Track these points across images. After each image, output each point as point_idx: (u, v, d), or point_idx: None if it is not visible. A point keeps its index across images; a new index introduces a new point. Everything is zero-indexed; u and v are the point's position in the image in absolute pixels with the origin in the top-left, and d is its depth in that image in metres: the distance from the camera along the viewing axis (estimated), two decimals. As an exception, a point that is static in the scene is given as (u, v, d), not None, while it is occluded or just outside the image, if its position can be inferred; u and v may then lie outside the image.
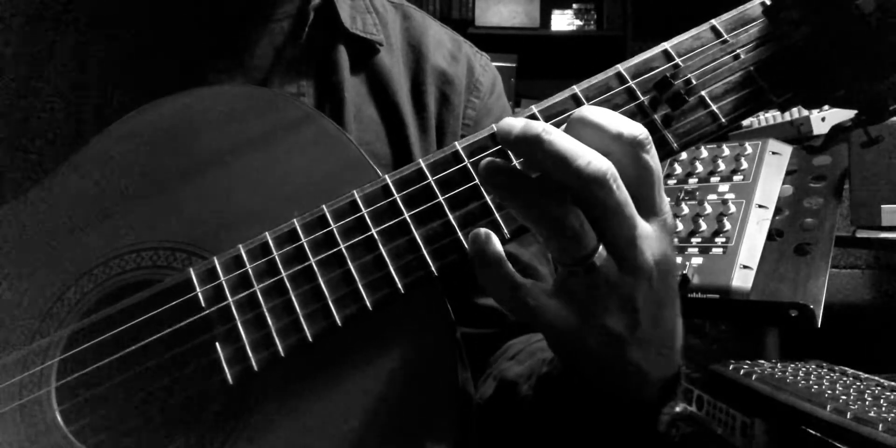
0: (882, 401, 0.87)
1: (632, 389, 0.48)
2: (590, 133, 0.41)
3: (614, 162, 0.41)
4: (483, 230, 0.43)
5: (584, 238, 0.40)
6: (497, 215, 0.45)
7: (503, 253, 0.43)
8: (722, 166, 1.15)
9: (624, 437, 0.51)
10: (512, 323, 0.69)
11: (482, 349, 0.68)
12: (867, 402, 0.87)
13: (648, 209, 0.43)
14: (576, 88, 0.47)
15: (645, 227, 0.42)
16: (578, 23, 3.02)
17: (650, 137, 0.42)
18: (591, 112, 0.42)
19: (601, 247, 0.41)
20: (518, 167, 0.44)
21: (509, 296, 0.43)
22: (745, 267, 1.03)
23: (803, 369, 1.03)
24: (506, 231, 0.45)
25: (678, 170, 1.19)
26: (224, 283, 0.47)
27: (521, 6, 2.95)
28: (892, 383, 0.95)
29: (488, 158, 0.42)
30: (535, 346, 0.63)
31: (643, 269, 0.42)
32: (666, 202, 0.44)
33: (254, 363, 0.46)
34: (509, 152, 0.45)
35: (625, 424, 0.50)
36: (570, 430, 0.53)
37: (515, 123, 0.41)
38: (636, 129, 0.41)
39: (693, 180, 1.16)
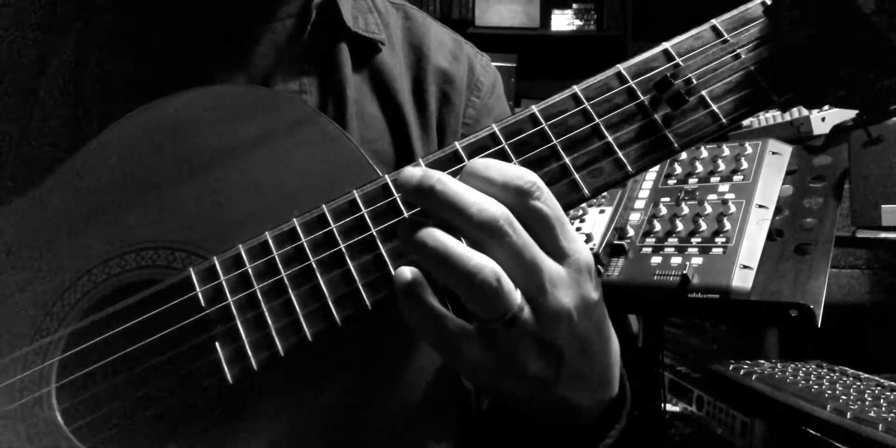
0: (882, 401, 0.87)
1: (565, 419, 0.48)
2: (480, 186, 0.42)
3: (511, 211, 0.41)
4: (407, 268, 0.43)
5: (502, 295, 0.40)
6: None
7: (425, 282, 0.42)
8: (722, 166, 1.15)
9: None
10: None
11: None
12: (867, 402, 0.87)
13: (555, 253, 0.42)
14: (576, 88, 0.47)
15: (554, 271, 0.42)
16: (578, 23, 3.02)
17: (537, 183, 0.42)
18: (479, 165, 0.42)
19: (520, 298, 0.41)
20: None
21: (433, 328, 0.42)
22: (745, 267, 1.03)
23: (803, 369, 1.03)
24: None
25: (678, 170, 1.19)
26: (224, 282, 0.47)
27: (521, 6, 2.95)
28: (892, 383, 0.95)
29: (409, 218, 0.43)
30: None
31: (559, 314, 0.42)
32: (575, 242, 0.43)
33: (253, 363, 0.46)
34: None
35: (571, 445, 0.50)
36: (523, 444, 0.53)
37: (414, 173, 0.42)
38: (521, 179, 0.42)
39: (693, 180, 1.16)
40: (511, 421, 0.53)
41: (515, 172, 0.42)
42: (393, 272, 0.45)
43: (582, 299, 0.43)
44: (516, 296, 0.41)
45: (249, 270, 0.47)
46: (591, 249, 1.23)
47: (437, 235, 0.40)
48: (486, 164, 0.43)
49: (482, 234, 0.40)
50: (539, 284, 0.41)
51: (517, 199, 0.42)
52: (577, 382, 0.45)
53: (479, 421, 0.60)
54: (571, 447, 0.51)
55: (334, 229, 0.47)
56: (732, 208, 1.08)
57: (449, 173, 0.43)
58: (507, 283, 0.40)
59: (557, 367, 0.43)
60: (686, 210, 1.11)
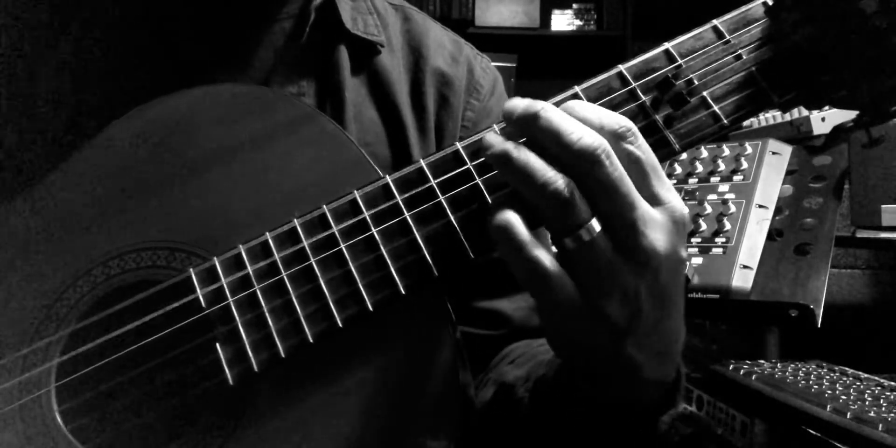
0: (882, 401, 0.87)
1: (625, 389, 0.47)
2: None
3: None
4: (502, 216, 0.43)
5: (573, 207, 0.41)
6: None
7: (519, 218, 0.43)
8: (722, 166, 1.15)
9: (620, 440, 0.50)
10: (513, 326, 0.69)
11: (481, 351, 0.68)
12: (867, 402, 0.87)
13: (651, 198, 0.42)
14: (577, 88, 0.47)
15: (648, 211, 0.42)
16: (578, 23, 3.02)
17: (633, 129, 0.42)
18: (577, 104, 0.43)
19: (594, 221, 0.41)
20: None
21: (519, 254, 0.42)
22: (745, 267, 1.03)
23: (803, 369, 1.03)
24: None
25: (678, 170, 1.19)
26: (224, 283, 0.47)
27: (521, 6, 2.95)
28: (892, 383, 0.95)
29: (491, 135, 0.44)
30: (536, 350, 0.63)
31: (646, 254, 0.41)
32: (671, 194, 0.43)
33: (254, 364, 0.46)
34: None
35: (620, 428, 0.49)
36: (566, 433, 0.52)
37: (519, 103, 0.43)
38: (617, 122, 0.42)
39: (693, 180, 1.16)
40: (560, 399, 0.52)
41: (613, 116, 0.43)
42: (394, 272, 0.45)
43: (673, 249, 0.42)
44: (587, 214, 0.41)
45: (250, 271, 0.47)
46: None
47: (521, 150, 0.42)
48: (585, 105, 0.44)
49: (580, 161, 0.41)
50: (631, 221, 0.41)
51: (613, 140, 0.42)
52: (646, 343, 0.44)
53: (506, 410, 0.59)
54: (622, 428, 0.49)
55: (335, 229, 0.47)
56: (732, 208, 1.08)
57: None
58: (579, 199, 0.41)
59: (633, 318, 0.43)
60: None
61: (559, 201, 0.41)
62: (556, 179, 0.41)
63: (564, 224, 0.41)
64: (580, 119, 0.42)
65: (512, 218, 0.42)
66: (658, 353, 0.46)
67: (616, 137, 0.42)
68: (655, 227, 0.42)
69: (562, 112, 0.42)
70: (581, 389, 0.49)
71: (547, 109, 0.42)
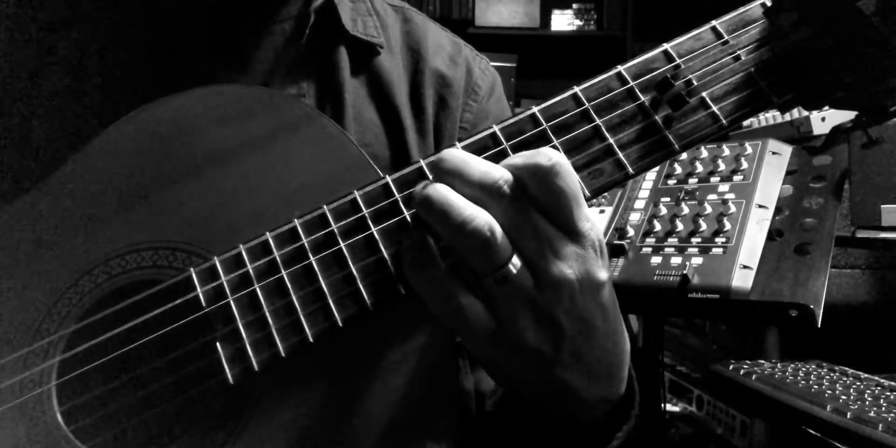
0: (882, 401, 0.87)
1: (564, 409, 0.48)
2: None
3: (526, 184, 0.42)
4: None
5: (494, 249, 0.41)
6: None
7: (430, 242, 0.43)
8: (722, 166, 1.15)
9: None
10: None
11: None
12: (867, 402, 0.87)
13: (565, 228, 0.42)
14: (576, 88, 0.47)
15: (558, 240, 0.42)
16: (578, 23, 3.02)
17: (558, 163, 0.42)
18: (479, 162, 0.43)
19: (514, 258, 0.42)
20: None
21: (434, 286, 0.43)
22: (745, 267, 1.03)
23: (803, 369, 1.03)
24: None
25: (678, 170, 1.19)
26: (225, 282, 0.47)
27: (521, 6, 2.95)
28: (892, 383, 0.95)
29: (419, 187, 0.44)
30: None
31: (559, 283, 0.42)
32: (585, 220, 0.43)
33: (254, 363, 0.46)
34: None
35: (573, 442, 0.50)
36: (530, 445, 0.53)
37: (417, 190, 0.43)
38: (539, 159, 0.42)
39: (693, 180, 1.16)
40: (517, 416, 0.52)
41: (534, 155, 0.43)
42: (394, 272, 0.45)
43: (586, 275, 0.42)
44: (509, 251, 0.41)
45: (250, 270, 0.47)
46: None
47: (439, 188, 0.42)
48: (464, 159, 0.43)
49: (482, 193, 0.42)
50: (539, 249, 0.42)
51: (533, 174, 0.42)
52: (578, 366, 0.44)
53: (483, 421, 0.60)
54: (578, 446, 0.50)
55: (335, 229, 0.47)
56: (732, 208, 1.08)
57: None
58: (501, 237, 0.41)
59: (556, 343, 0.43)
60: (686, 210, 1.11)
61: (479, 241, 0.41)
62: (475, 217, 0.41)
63: (487, 266, 0.41)
64: (464, 176, 0.42)
65: (428, 251, 0.43)
66: (595, 375, 0.46)
67: (536, 172, 0.42)
68: (566, 256, 0.42)
69: (463, 156, 0.43)
70: (531, 408, 0.50)
71: (447, 154, 0.43)
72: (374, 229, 0.46)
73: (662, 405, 1.21)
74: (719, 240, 1.06)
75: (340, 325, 0.45)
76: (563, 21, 3.03)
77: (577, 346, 0.44)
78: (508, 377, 0.48)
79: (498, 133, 0.46)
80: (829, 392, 0.91)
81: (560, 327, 0.43)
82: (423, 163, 0.47)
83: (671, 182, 1.18)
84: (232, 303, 0.47)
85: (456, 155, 0.43)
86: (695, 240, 1.08)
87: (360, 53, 0.68)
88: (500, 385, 0.52)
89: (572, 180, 0.42)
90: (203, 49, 0.65)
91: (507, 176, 0.42)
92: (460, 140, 0.47)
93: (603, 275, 0.43)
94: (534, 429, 0.51)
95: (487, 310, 0.42)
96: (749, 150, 1.14)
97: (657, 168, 1.16)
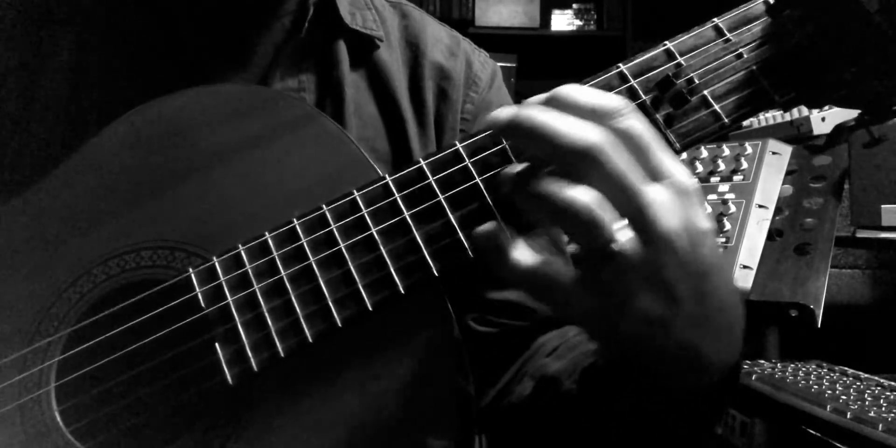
0: (882, 401, 0.87)
1: (687, 377, 0.44)
2: (570, 112, 0.41)
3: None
4: (484, 227, 0.43)
5: (602, 222, 0.39)
6: (498, 216, 0.45)
7: (510, 240, 0.42)
8: (722, 166, 1.15)
9: (679, 426, 0.48)
10: (539, 317, 0.68)
11: (493, 348, 0.67)
12: (867, 402, 0.87)
13: (651, 174, 0.40)
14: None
15: (653, 193, 0.40)
16: (578, 23, 3.02)
17: (626, 107, 0.41)
18: (564, 92, 0.42)
19: (622, 225, 0.39)
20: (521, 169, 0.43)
21: (533, 282, 0.41)
22: (745, 267, 1.03)
23: (803, 369, 1.03)
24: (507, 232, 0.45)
25: (678, 170, 1.19)
26: (224, 282, 0.47)
27: (521, 6, 2.95)
28: (892, 383, 0.95)
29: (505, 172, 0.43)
30: (575, 340, 0.61)
31: (663, 240, 0.39)
32: (672, 164, 0.41)
33: (254, 364, 0.46)
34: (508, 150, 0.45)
35: (678, 419, 0.47)
36: (617, 426, 0.50)
37: (502, 112, 0.42)
38: (609, 102, 0.41)
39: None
40: (614, 387, 0.49)
41: (604, 97, 0.41)
42: (393, 272, 0.45)
43: (688, 224, 0.40)
44: (618, 223, 0.39)
45: (249, 270, 0.47)
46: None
47: (544, 185, 0.40)
48: (570, 90, 0.42)
49: (580, 164, 0.39)
50: (641, 209, 0.39)
51: (608, 121, 0.40)
52: (700, 328, 0.41)
53: (553, 404, 0.57)
54: (679, 419, 0.47)
55: (334, 229, 0.46)
56: (732, 208, 1.08)
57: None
58: (608, 210, 0.39)
59: (672, 307, 0.40)
60: (686, 210, 1.11)
61: (588, 219, 0.39)
62: (577, 195, 0.39)
63: (597, 241, 0.39)
64: (570, 106, 0.41)
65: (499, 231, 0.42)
66: (718, 334, 0.43)
67: (609, 117, 0.40)
68: (665, 208, 0.40)
69: (550, 113, 0.40)
70: (634, 381, 0.47)
71: (533, 115, 0.40)
72: (373, 229, 0.46)
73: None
74: (719, 240, 1.06)
75: (340, 325, 0.45)
76: (563, 21, 3.02)
77: (694, 305, 0.41)
78: (618, 346, 0.44)
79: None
80: (829, 392, 0.91)
81: (671, 287, 0.40)
82: (423, 163, 0.47)
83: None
84: (231, 303, 0.47)
85: (539, 117, 0.40)
86: (695, 240, 1.08)
87: (359, 47, 0.68)
88: (608, 354, 0.48)
89: (643, 123, 0.41)
90: (202, 45, 0.65)
91: (603, 138, 0.40)
92: (461, 140, 0.47)
93: (704, 223, 0.41)
94: (631, 401, 0.48)
95: (594, 289, 0.40)
96: (749, 150, 1.14)
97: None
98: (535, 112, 0.41)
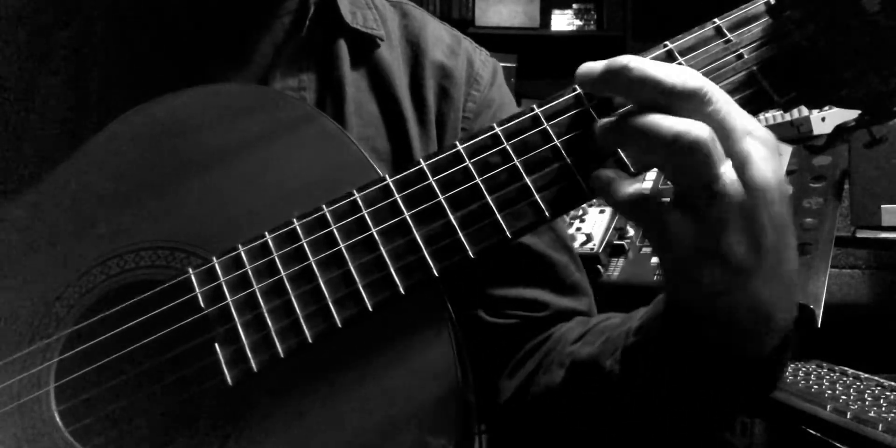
0: (882, 401, 0.87)
1: (751, 337, 0.45)
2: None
3: None
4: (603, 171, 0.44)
5: (712, 158, 0.40)
6: (498, 216, 0.45)
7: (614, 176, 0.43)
8: (722, 166, 1.15)
9: (730, 403, 0.49)
10: (554, 309, 0.68)
11: (506, 340, 0.67)
12: (867, 402, 0.87)
13: (743, 131, 0.42)
14: (579, 88, 0.46)
15: (752, 142, 0.41)
16: (578, 23, 3.02)
17: (703, 84, 0.41)
18: (638, 60, 0.42)
19: (727, 167, 0.40)
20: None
21: (634, 207, 0.43)
22: (745, 267, 1.03)
23: (803, 369, 1.03)
24: (508, 233, 0.45)
25: (678, 170, 1.19)
26: (223, 283, 0.47)
27: (521, 6, 2.95)
28: (892, 383, 0.95)
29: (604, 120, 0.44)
30: (603, 325, 0.61)
31: (764, 188, 0.41)
32: (752, 121, 0.42)
33: (253, 364, 0.45)
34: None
35: (733, 386, 0.48)
36: (666, 403, 0.51)
37: (594, 65, 0.43)
38: (690, 81, 0.41)
39: (693, 180, 1.16)
40: (666, 360, 0.49)
41: (679, 71, 0.42)
42: (393, 273, 0.45)
43: (779, 179, 0.42)
44: (724, 163, 0.40)
45: (249, 271, 0.47)
46: (591, 250, 1.23)
47: (639, 112, 0.41)
48: (641, 60, 0.43)
49: (689, 104, 0.40)
50: (745, 154, 0.41)
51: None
52: (775, 280, 0.43)
53: (546, 410, 0.58)
54: (734, 386, 0.48)
55: (334, 230, 0.46)
56: (733, 208, 1.08)
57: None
58: (717, 147, 0.40)
59: (760, 252, 0.41)
60: (686, 210, 1.11)
61: (705, 152, 0.39)
62: (690, 127, 0.40)
63: (705, 176, 0.40)
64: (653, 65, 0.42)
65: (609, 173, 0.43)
66: (787, 287, 0.44)
67: (692, 99, 0.41)
68: (764, 158, 0.41)
69: (644, 60, 0.42)
70: (691, 345, 0.47)
71: (631, 61, 0.41)
72: (373, 230, 0.46)
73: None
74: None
75: (340, 325, 0.45)
76: (563, 21, 3.02)
77: (776, 257, 0.42)
78: (696, 291, 0.45)
79: (499, 133, 0.46)
80: (829, 392, 0.91)
81: (764, 236, 0.41)
82: (423, 164, 0.47)
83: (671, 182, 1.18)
84: (231, 303, 0.47)
85: (642, 65, 0.41)
86: (695, 240, 1.08)
87: (360, 46, 0.68)
88: (686, 304, 0.48)
89: (714, 84, 0.42)
90: (203, 45, 0.65)
91: (707, 81, 0.41)
92: (461, 141, 0.47)
93: (785, 178, 0.43)
94: (685, 369, 0.48)
95: (693, 222, 0.41)
96: (749, 149, 1.14)
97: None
98: (630, 61, 0.42)
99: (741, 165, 0.41)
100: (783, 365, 0.49)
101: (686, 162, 0.40)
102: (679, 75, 0.41)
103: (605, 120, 0.43)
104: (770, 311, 0.44)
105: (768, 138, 0.42)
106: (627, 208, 0.43)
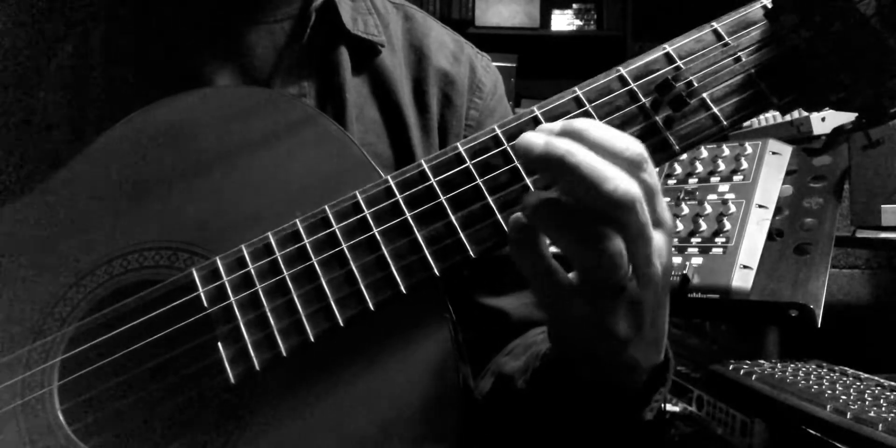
0: (882, 401, 0.87)
1: (622, 379, 0.50)
2: (601, 154, 0.41)
3: None
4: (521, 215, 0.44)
5: (622, 268, 0.41)
6: (499, 217, 0.45)
7: (541, 237, 0.43)
8: (722, 166, 1.15)
9: (613, 426, 0.52)
10: (513, 323, 0.69)
11: (485, 348, 0.68)
12: (867, 402, 0.87)
13: (656, 222, 0.43)
14: (577, 90, 0.47)
15: (658, 241, 0.43)
16: (578, 23, 3.02)
17: (646, 156, 0.42)
18: (595, 131, 0.41)
19: (629, 268, 0.42)
20: (555, 196, 0.42)
21: (543, 280, 0.44)
22: (745, 267, 1.03)
23: (803, 369, 1.03)
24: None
25: (678, 170, 1.19)
26: (227, 283, 0.48)
27: (521, 6, 2.95)
28: (892, 383, 0.95)
29: (532, 196, 0.42)
30: (531, 340, 0.64)
31: (654, 282, 0.43)
32: (667, 210, 0.44)
33: (256, 363, 0.46)
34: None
35: (614, 413, 0.51)
36: (561, 422, 0.54)
37: (536, 141, 0.41)
38: (635, 151, 0.41)
39: (693, 180, 1.16)
40: (560, 389, 0.53)
41: (631, 145, 0.42)
42: (395, 272, 0.46)
43: (669, 266, 0.44)
44: (628, 267, 0.42)
45: (252, 271, 0.47)
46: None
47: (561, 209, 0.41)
48: (600, 130, 0.41)
49: (615, 211, 0.40)
50: (648, 255, 0.42)
51: (631, 169, 0.41)
52: (644, 346, 0.47)
53: (506, 401, 0.60)
54: (619, 409, 0.51)
55: (337, 230, 0.47)
56: (732, 208, 1.08)
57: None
58: (626, 257, 0.42)
59: (638, 330, 0.45)
60: (686, 210, 1.11)
61: (616, 263, 0.41)
62: (612, 244, 0.41)
63: (609, 280, 0.42)
64: (597, 145, 0.41)
65: (530, 229, 0.43)
66: (654, 346, 0.48)
67: (634, 166, 0.41)
68: (661, 254, 0.43)
69: (588, 154, 0.40)
70: (577, 380, 0.51)
71: (573, 152, 0.39)
72: (375, 230, 0.46)
73: (662, 405, 1.20)
74: (719, 240, 1.06)
75: (342, 324, 0.46)
76: (563, 21, 3.02)
77: (649, 328, 0.46)
78: (577, 354, 0.49)
79: (500, 134, 0.47)
80: (829, 392, 0.91)
81: (643, 316, 0.45)
82: (425, 165, 0.47)
83: (671, 182, 1.18)
84: (234, 303, 0.47)
85: (581, 160, 0.40)
86: (695, 240, 1.08)
87: (361, 52, 0.68)
88: (559, 355, 0.53)
89: (655, 172, 0.43)
90: (204, 51, 0.65)
91: (639, 191, 0.41)
92: (463, 143, 0.47)
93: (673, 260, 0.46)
94: (573, 398, 0.52)
95: (589, 310, 0.44)
96: (749, 150, 1.14)
97: (657, 168, 1.16)
98: (574, 149, 0.40)
99: (641, 268, 0.43)
100: (661, 394, 0.53)
101: (597, 267, 0.41)
102: (615, 183, 0.40)
103: (531, 199, 0.42)
104: (637, 362, 0.48)
105: (671, 228, 0.45)
106: (531, 272, 0.44)
